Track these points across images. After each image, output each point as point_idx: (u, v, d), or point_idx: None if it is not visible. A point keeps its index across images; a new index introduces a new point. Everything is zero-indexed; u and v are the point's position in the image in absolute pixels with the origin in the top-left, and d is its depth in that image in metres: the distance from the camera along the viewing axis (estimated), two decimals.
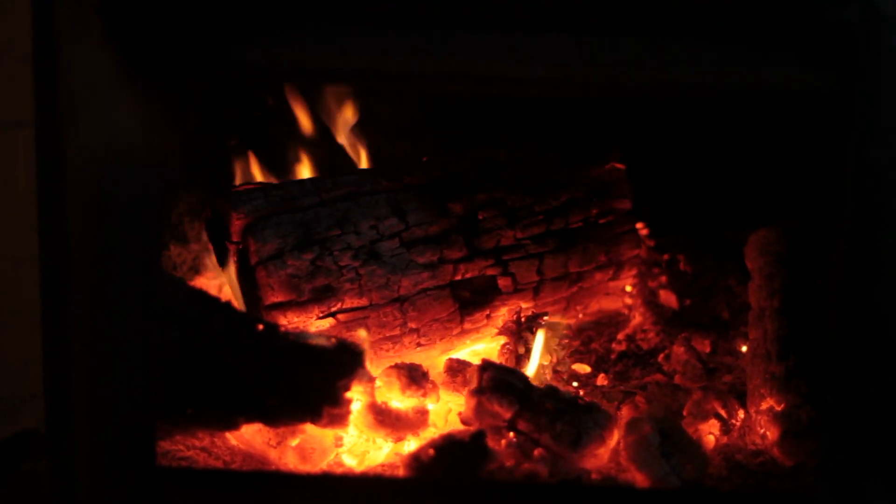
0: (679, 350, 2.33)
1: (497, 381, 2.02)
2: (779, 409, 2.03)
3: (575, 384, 2.29)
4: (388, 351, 2.21)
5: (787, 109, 2.53)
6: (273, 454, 2.01)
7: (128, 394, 1.76)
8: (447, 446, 1.92)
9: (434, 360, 2.28)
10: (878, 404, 1.71)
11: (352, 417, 1.96)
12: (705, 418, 2.09)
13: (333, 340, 1.94)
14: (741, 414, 2.13)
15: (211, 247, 2.28)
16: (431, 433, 2.07)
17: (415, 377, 2.10)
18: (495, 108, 2.70)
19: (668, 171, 2.75)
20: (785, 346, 2.14)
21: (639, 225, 2.53)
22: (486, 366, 2.06)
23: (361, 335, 2.14)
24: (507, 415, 1.99)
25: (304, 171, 2.51)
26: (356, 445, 2.07)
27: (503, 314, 2.31)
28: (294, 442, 2.00)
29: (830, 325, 1.72)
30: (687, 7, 1.63)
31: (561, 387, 2.16)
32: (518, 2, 1.65)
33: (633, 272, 2.51)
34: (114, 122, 1.69)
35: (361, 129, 2.58)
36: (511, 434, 1.99)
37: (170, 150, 2.36)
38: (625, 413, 2.13)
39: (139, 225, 1.74)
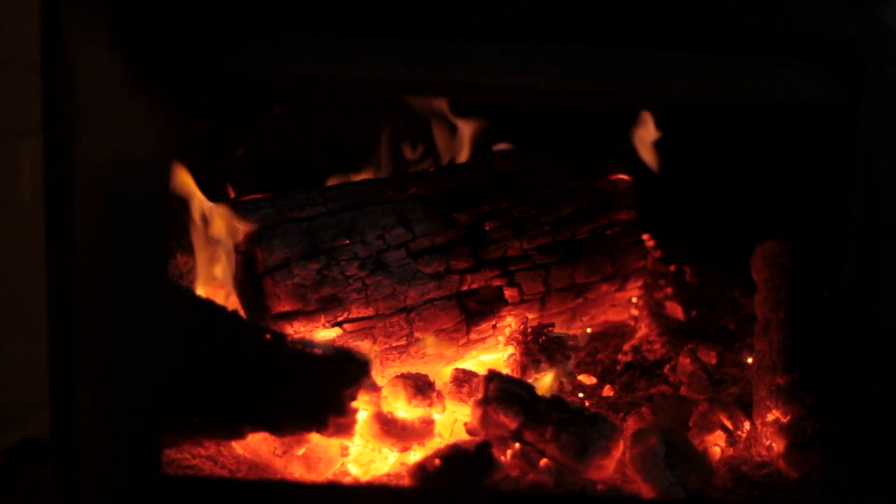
0: (685, 361, 2.33)
1: (503, 392, 2.02)
2: (784, 420, 2.03)
3: (581, 395, 2.29)
4: (394, 361, 2.22)
5: (793, 122, 2.53)
6: (279, 463, 2.01)
7: (133, 402, 1.76)
8: (453, 456, 1.92)
9: (440, 370, 2.28)
10: (883, 416, 1.71)
11: (357, 427, 1.96)
12: (711, 430, 2.09)
13: (339, 350, 1.95)
14: (747, 425, 2.13)
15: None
16: (437, 443, 2.07)
17: (421, 387, 2.10)
18: (501, 119, 2.70)
19: (674, 183, 2.75)
20: (790, 357, 2.14)
21: (645, 236, 2.53)
22: (492, 376, 2.06)
23: (366, 347, 2.15)
24: (513, 425, 1.99)
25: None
26: (362, 455, 2.07)
27: (509, 325, 2.31)
28: (300, 451, 2.00)
29: (835, 336, 1.72)
30: (694, 20, 1.64)
31: (567, 397, 2.16)
32: (524, 13, 1.66)
33: (639, 283, 2.51)
34: (121, 132, 1.69)
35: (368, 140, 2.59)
36: (517, 444, 1.99)
37: (176, 159, 2.36)
38: (630, 424, 2.13)
39: (146, 233, 1.74)
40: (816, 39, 1.64)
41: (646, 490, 1.93)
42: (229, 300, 2.25)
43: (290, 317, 2.12)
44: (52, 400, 1.72)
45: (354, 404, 1.92)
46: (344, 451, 2.05)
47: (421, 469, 1.90)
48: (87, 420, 1.72)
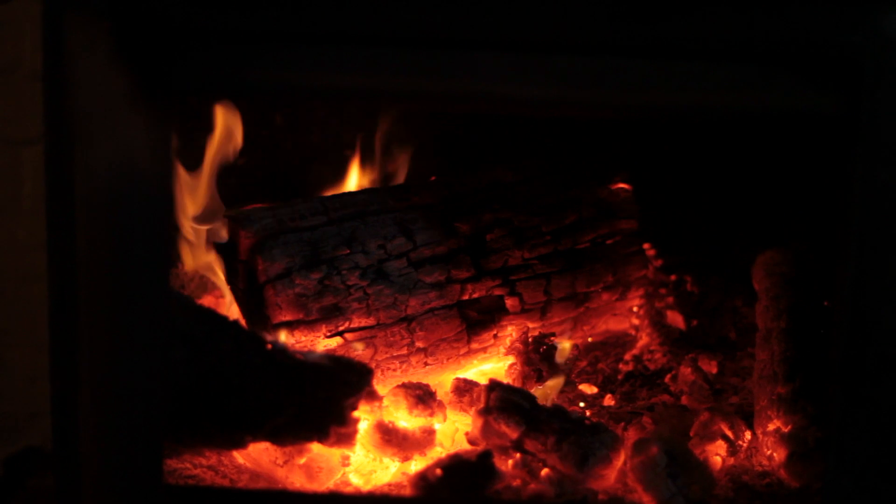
0: (686, 371, 2.33)
1: (504, 401, 2.02)
2: (785, 430, 2.03)
3: (582, 404, 2.29)
4: (395, 370, 2.22)
5: (794, 131, 2.53)
6: (280, 473, 2.01)
7: (134, 411, 1.76)
8: (454, 466, 1.92)
9: (441, 379, 2.28)
10: (885, 425, 1.71)
11: (359, 437, 1.96)
12: (712, 439, 2.09)
13: (340, 359, 1.95)
14: (748, 435, 2.12)
15: (219, 265, 2.28)
16: (438, 453, 2.07)
17: (422, 397, 2.10)
18: (503, 128, 2.70)
19: (675, 192, 2.75)
20: (791, 367, 2.14)
21: (646, 245, 2.54)
22: (493, 386, 2.06)
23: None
24: (514, 435, 1.99)
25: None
26: (363, 465, 2.07)
27: (510, 334, 2.31)
28: (301, 461, 2.00)
29: (837, 346, 1.72)
30: (694, 30, 1.64)
31: (568, 407, 2.16)
32: (525, 23, 1.66)
33: (640, 293, 2.51)
34: (122, 141, 1.69)
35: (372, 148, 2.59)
36: (518, 454, 1.99)
37: (178, 168, 2.36)
38: (631, 434, 2.13)
39: (147, 242, 1.74)
40: (816, 48, 1.64)
41: (647, 500, 1.93)
42: (230, 310, 2.25)
43: (291, 326, 2.13)
44: (54, 409, 1.72)
45: (355, 414, 1.92)
46: (345, 461, 2.05)
47: (422, 479, 1.90)
48: (89, 429, 1.72)
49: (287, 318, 2.12)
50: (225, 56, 1.70)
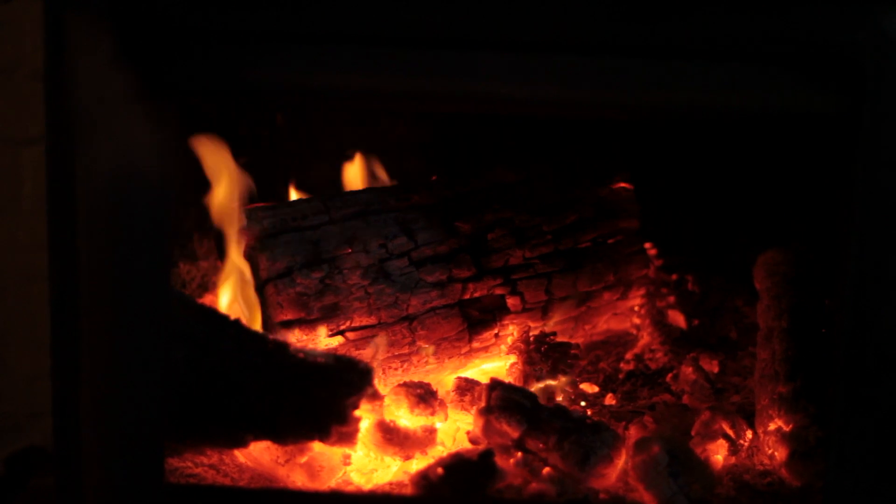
0: (687, 370, 2.33)
1: (505, 400, 2.02)
2: (787, 429, 2.03)
3: (583, 403, 2.28)
4: (396, 369, 2.22)
5: (796, 131, 2.53)
6: (281, 472, 2.01)
7: (135, 410, 1.76)
8: (455, 465, 1.92)
9: (442, 378, 2.28)
10: (886, 424, 1.71)
11: (360, 436, 1.96)
12: (713, 438, 2.09)
13: (341, 358, 1.95)
14: (749, 434, 2.12)
15: (221, 265, 2.28)
16: (440, 452, 2.07)
17: (423, 396, 2.10)
18: (504, 129, 2.70)
19: (676, 192, 2.75)
20: (793, 366, 2.14)
21: (647, 245, 2.53)
22: (495, 385, 2.06)
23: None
24: (516, 434, 1.99)
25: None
26: (364, 463, 2.07)
27: (512, 333, 2.31)
28: (302, 460, 2.00)
29: (838, 345, 1.72)
30: (695, 29, 1.64)
31: (569, 406, 2.16)
32: (525, 23, 1.66)
33: (642, 292, 2.51)
34: (124, 140, 1.69)
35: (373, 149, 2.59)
36: (519, 453, 1.99)
37: (179, 167, 2.36)
38: (633, 433, 2.12)
39: (149, 242, 1.74)
40: (817, 48, 1.64)
41: (648, 499, 1.93)
42: (232, 307, 2.25)
43: (292, 325, 2.13)
44: (55, 408, 1.72)
45: (357, 413, 1.92)
46: (346, 460, 2.05)
47: (423, 478, 1.90)
48: (90, 429, 1.72)
49: (288, 316, 2.12)
50: (225, 56, 1.71)
